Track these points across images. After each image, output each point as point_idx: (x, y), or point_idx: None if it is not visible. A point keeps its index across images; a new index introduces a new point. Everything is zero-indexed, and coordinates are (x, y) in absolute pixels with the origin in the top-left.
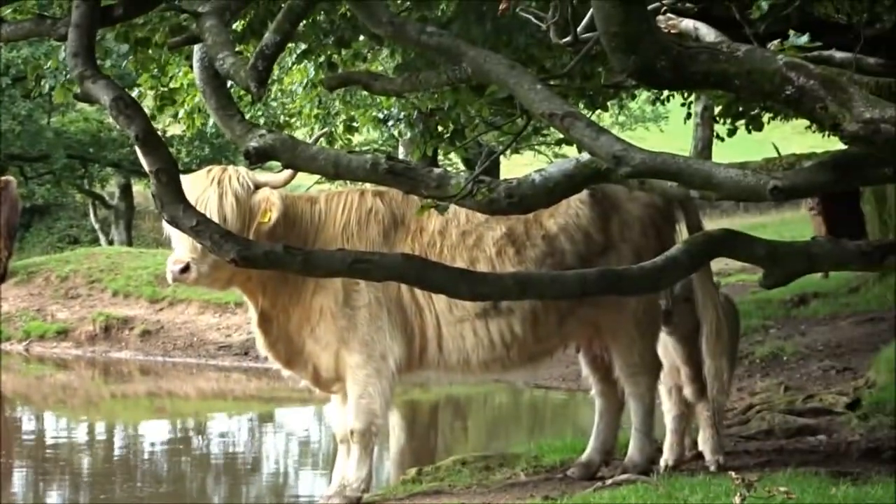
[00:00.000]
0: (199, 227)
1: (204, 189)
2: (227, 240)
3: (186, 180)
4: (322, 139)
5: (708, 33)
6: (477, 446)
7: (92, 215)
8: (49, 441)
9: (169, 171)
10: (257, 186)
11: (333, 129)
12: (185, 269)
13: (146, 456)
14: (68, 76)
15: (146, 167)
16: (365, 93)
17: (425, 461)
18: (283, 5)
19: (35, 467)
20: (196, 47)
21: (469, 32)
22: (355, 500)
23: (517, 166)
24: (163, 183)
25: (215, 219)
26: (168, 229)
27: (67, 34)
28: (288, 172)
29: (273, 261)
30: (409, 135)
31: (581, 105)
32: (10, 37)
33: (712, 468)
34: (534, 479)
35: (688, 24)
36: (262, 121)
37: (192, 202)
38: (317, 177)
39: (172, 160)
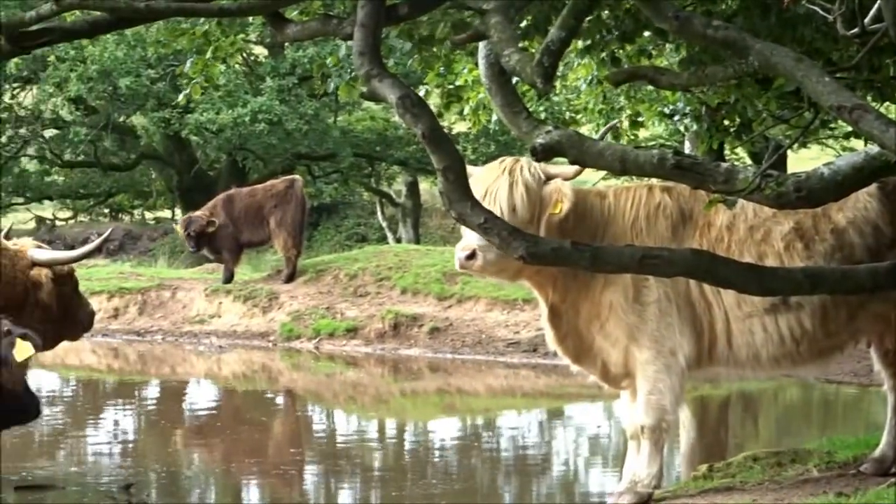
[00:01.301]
0: (487, 224)
1: (495, 179)
2: (515, 237)
3: (477, 171)
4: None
5: None
6: (768, 442)
7: (379, 213)
8: (340, 438)
9: (456, 168)
10: (549, 178)
11: (619, 125)
12: (472, 255)
13: (437, 453)
14: (353, 74)
15: (434, 165)
16: (650, 87)
17: (716, 457)
18: (566, 2)
19: (327, 465)
20: (481, 44)
21: (753, 26)
22: (646, 496)
23: (804, 160)
24: (450, 180)
25: (504, 208)
26: None
27: (353, 33)
28: (577, 166)
29: (561, 257)
30: (694, 129)
31: (869, 98)
32: (297, 37)
33: None
34: (826, 475)
35: None
36: (543, 116)
37: (482, 192)
38: (602, 172)
39: (460, 157)
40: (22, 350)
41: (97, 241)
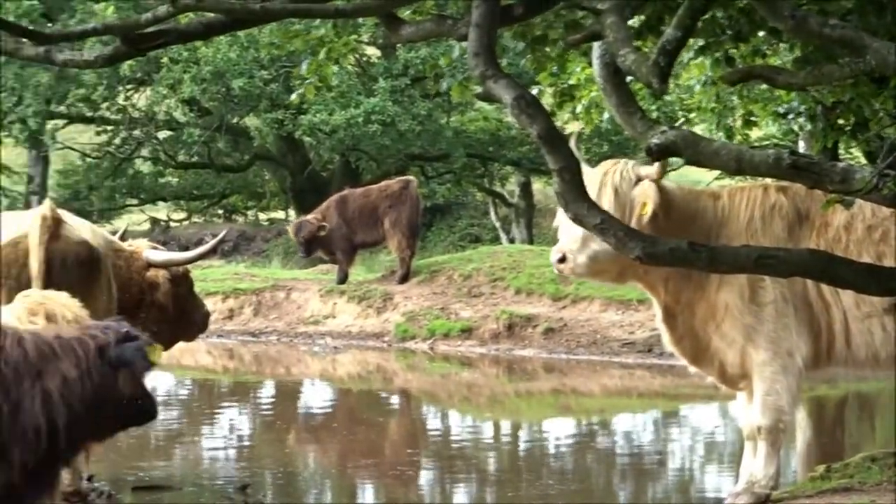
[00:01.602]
0: (604, 224)
1: (589, 181)
2: (631, 237)
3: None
4: (720, 134)
5: None
6: (886, 443)
7: (492, 213)
8: (455, 439)
9: (572, 169)
10: (639, 179)
11: (732, 124)
12: (563, 259)
13: (552, 454)
14: (466, 74)
15: (550, 165)
16: (764, 87)
17: (833, 458)
18: (681, 1)
19: (442, 465)
20: (595, 44)
21: (869, 24)
22: (764, 497)
23: None
24: (566, 181)
25: None
26: (557, 222)
27: (468, 34)
28: (658, 166)
29: (678, 258)
30: (809, 128)
31: None
32: (411, 38)
33: None
34: None
35: None
36: (655, 116)
37: None
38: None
39: (575, 158)
40: (153, 354)
41: (212, 243)
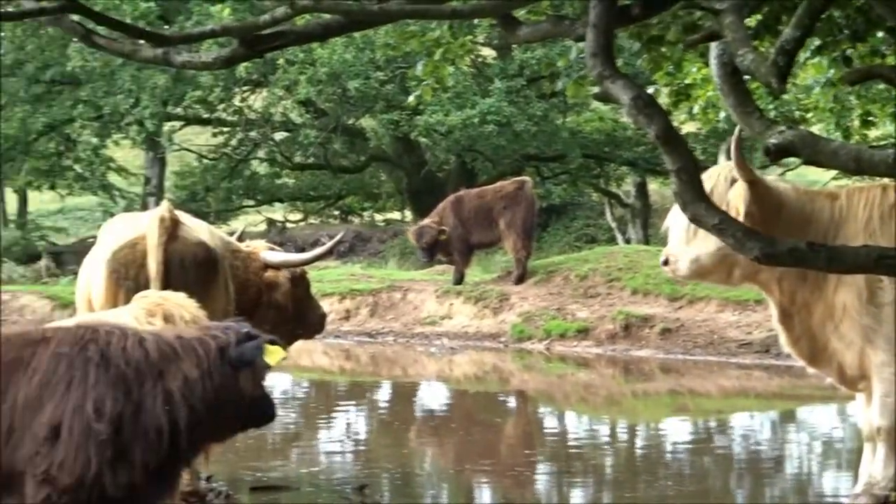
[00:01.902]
0: (722, 224)
1: None
2: (749, 238)
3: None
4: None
5: None
6: None
7: (608, 214)
8: (572, 440)
9: (689, 169)
10: (734, 180)
11: (849, 124)
12: (666, 262)
13: (669, 455)
14: (580, 74)
15: (667, 165)
16: (882, 86)
17: None
18: (798, 1)
19: (559, 466)
20: (713, 44)
21: None
22: (883, 498)
23: None
24: (684, 181)
25: None
26: (666, 223)
27: (585, 34)
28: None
29: (797, 258)
30: None
31: None
32: (528, 38)
33: None
34: None
35: None
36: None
37: None
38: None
39: (693, 158)
40: (273, 354)
41: (329, 244)
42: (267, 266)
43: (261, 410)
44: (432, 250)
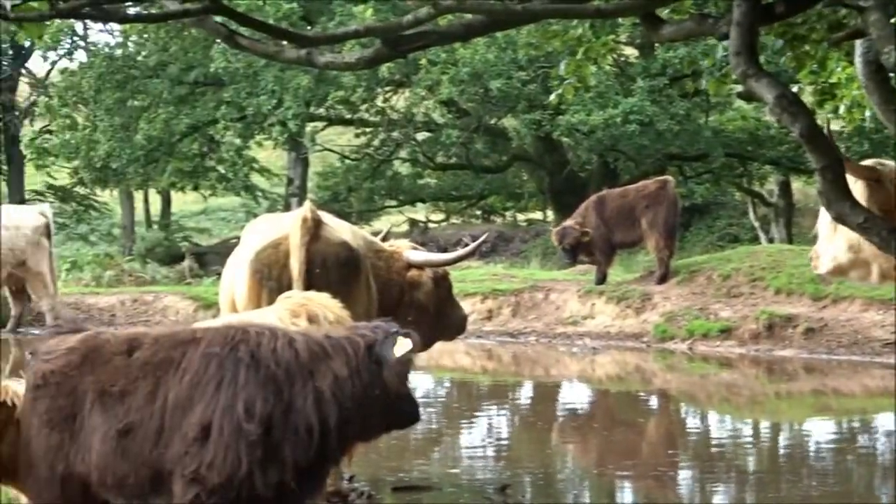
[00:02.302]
0: (867, 223)
1: None
2: (895, 236)
3: None
4: None
5: None
6: None
7: (751, 213)
8: (715, 440)
9: (835, 168)
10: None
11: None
12: (812, 259)
13: (813, 455)
14: (723, 72)
15: (812, 164)
16: None
17: None
18: None
19: (702, 466)
20: (857, 42)
21: None
22: None
23: None
24: (828, 180)
25: None
26: (818, 223)
27: (728, 33)
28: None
29: None
30: None
31: None
32: (672, 37)
33: None
34: None
35: None
36: None
37: None
38: None
39: (838, 157)
40: (400, 345)
41: (473, 245)
42: (410, 266)
43: (406, 410)
44: (575, 251)
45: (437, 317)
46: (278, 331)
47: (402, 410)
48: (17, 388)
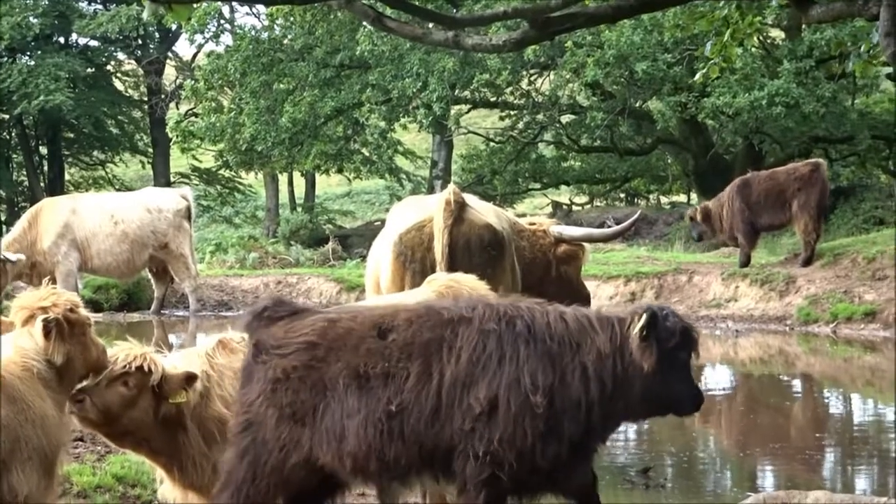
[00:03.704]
0: None
1: None
2: None
3: None
4: None
5: None
6: None
7: None
8: (858, 423)
9: None
10: None
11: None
12: None
13: None
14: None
15: None
16: None
17: None
18: None
19: (845, 449)
20: None
21: None
22: None
23: None
24: None
25: None
26: None
27: (878, 14)
28: None
29: None
30: None
31: None
32: (822, 18)
33: None
34: None
35: None
36: None
37: None
38: None
39: None
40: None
41: (628, 223)
42: (561, 241)
43: (684, 395)
44: (702, 232)
45: (574, 293)
46: (548, 305)
47: (679, 395)
48: (156, 356)
